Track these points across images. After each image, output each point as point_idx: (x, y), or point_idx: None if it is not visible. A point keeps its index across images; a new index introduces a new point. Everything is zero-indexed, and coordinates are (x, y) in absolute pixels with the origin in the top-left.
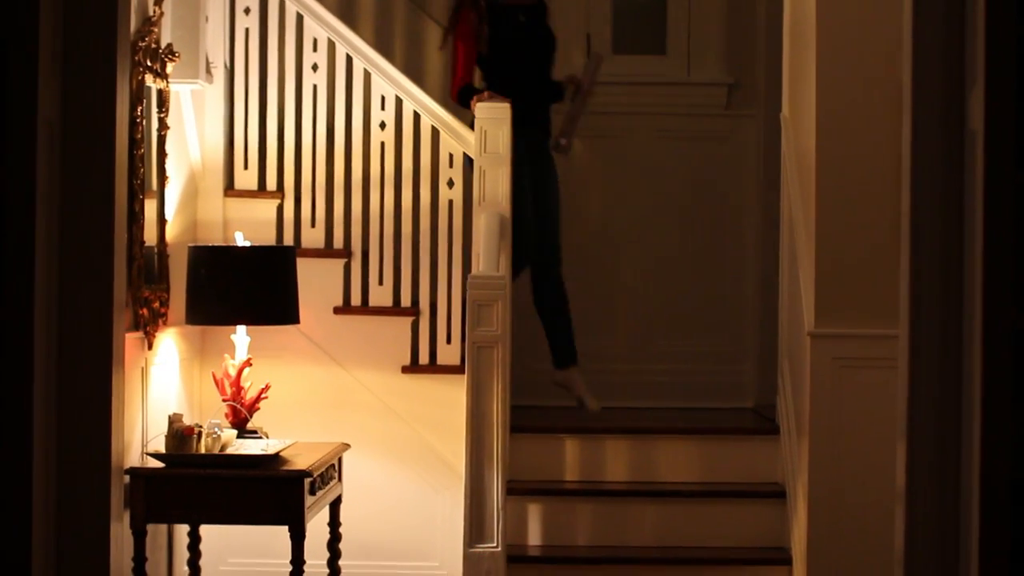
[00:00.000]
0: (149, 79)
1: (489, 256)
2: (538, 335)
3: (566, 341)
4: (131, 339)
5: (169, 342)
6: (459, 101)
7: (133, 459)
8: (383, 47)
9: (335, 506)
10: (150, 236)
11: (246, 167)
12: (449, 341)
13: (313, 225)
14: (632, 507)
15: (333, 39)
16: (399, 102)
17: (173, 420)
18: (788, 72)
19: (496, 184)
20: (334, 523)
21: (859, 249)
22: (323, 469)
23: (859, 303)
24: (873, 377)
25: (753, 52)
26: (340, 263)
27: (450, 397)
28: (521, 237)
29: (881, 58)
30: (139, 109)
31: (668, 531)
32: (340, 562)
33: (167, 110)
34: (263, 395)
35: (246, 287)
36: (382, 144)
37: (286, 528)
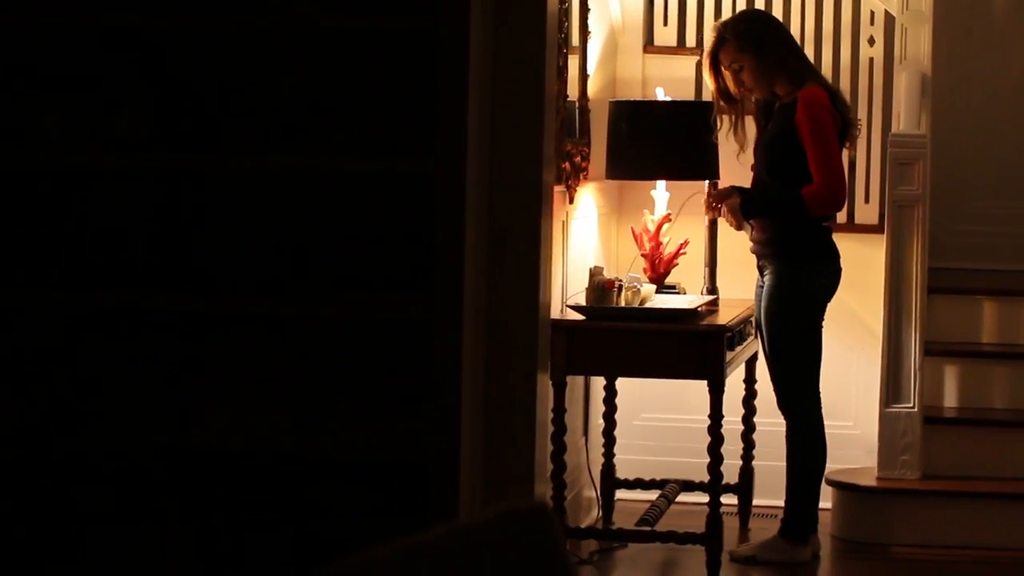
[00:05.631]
0: None
1: (910, 114)
2: (959, 196)
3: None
4: (554, 193)
5: (588, 197)
6: None
7: (554, 311)
8: None
9: (751, 363)
10: (572, 91)
11: (665, 23)
12: (867, 200)
13: None
14: None
15: None
16: None
17: (594, 273)
18: None
19: (918, 42)
20: (750, 380)
21: None
22: (741, 326)
23: None
24: None
25: None
26: None
27: (867, 257)
28: None
29: None
30: None
31: None
32: (755, 419)
33: None
34: (681, 251)
35: (666, 143)
36: (803, 1)
37: (700, 384)
